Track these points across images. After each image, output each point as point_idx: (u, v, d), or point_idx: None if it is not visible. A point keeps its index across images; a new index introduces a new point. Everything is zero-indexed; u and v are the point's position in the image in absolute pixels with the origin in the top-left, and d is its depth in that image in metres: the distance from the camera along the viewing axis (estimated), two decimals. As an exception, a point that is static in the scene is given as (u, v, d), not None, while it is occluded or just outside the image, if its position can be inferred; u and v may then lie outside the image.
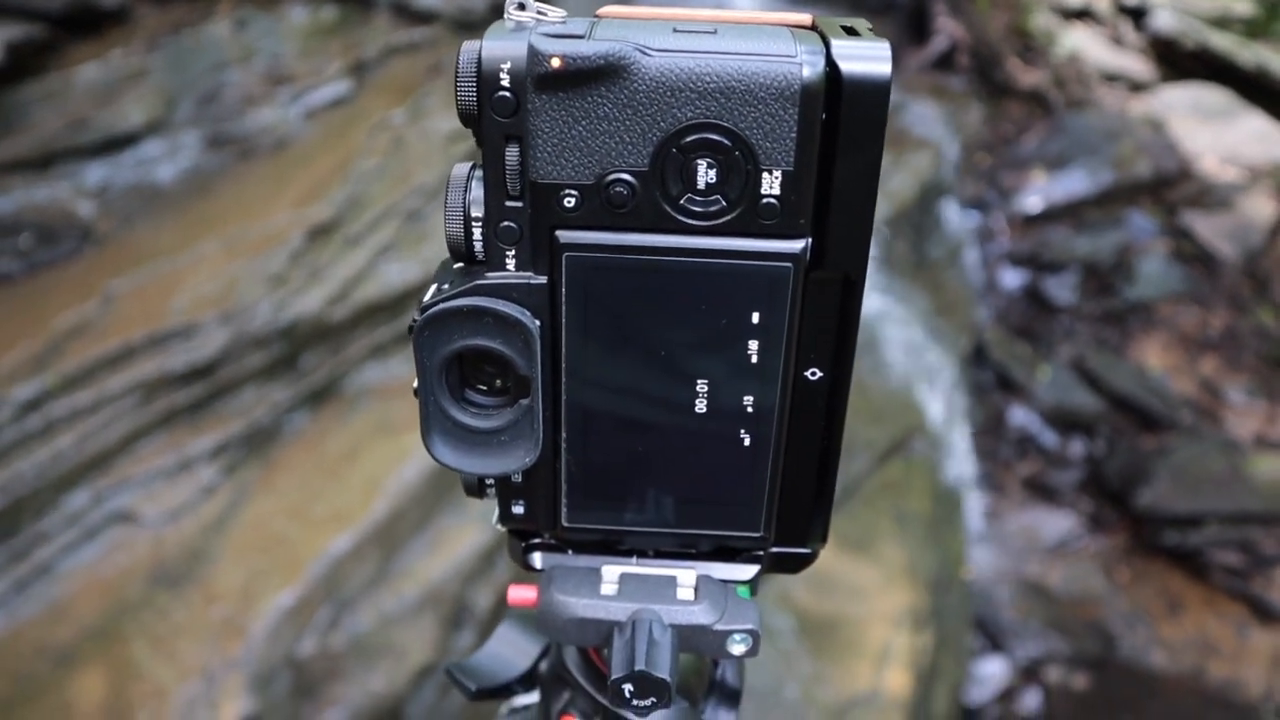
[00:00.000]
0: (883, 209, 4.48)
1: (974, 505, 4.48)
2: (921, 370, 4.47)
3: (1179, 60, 5.50)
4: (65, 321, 2.57)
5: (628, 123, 0.43)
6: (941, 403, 4.47)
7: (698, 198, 0.44)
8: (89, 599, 2.27)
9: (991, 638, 4.03)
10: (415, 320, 0.46)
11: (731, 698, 0.60)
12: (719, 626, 0.51)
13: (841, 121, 0.43)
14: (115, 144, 2.95)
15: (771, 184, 0.44)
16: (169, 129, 3.03)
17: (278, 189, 3.04)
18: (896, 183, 4.62)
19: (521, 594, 0.55)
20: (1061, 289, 5.11)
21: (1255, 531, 4.15)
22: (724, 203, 0.44)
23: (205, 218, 2.91)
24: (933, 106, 5.16)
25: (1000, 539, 4.44)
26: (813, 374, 0.49)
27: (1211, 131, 5.25)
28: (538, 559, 0.55)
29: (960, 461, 4.48)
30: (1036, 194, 5.27)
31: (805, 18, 0.47)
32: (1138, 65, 5.60)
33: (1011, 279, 5.24)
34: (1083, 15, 5.73)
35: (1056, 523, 4.45)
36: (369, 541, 2.52)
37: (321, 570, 2.43)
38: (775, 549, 0.54)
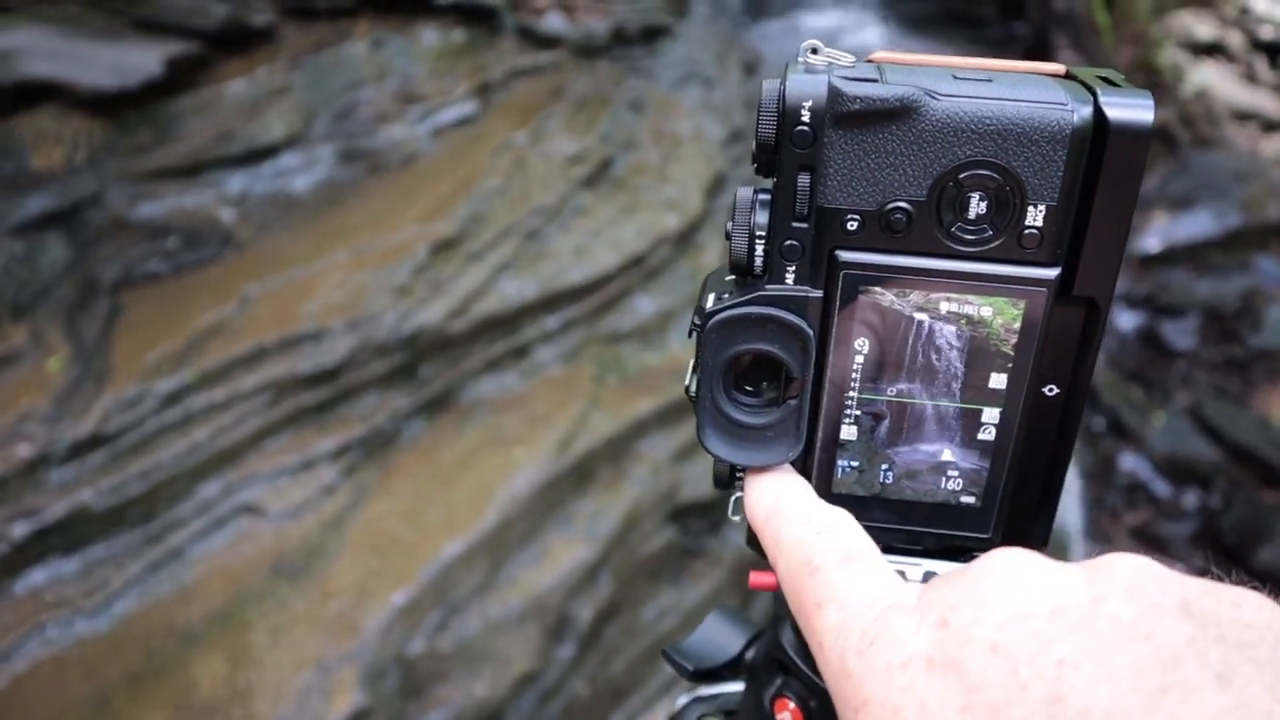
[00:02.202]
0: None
1: (1079, 553, 4.34)
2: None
3: (1316, 101, 5.30)
4: (205, 321, 2.71)
5: (912, 158, 0.48)
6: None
7: (968, 226, 0.49)
8: (215, 585, 2.38)
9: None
10: (697, 324, 0.51)
11: None
12: None
13: (1105, 162, 0.47)
14: (257, 155, 3.10)
15: (1035, 216, 0.48)
16: (306, 142, 3.17)
17: (404, 203, 3.15)
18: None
19: (763, 579, 0.58)
20: (1180, 333, 4.94)
21: (1387, 595, 3.94)
22: (991, 232, 0.49)
23: (336, 228, 3.03)
24: (1051, 142, 5.06)
25: (1107, 588, 4.30)
26: (1050, 390, 0.52)
27: (1350, 175, 5.04)
28: None
29: (1067, 507, 4.36)
30: (1157, 234, 5.12)
31: (1059, 67, 0.52)
32: (1272, 104, 5.42)
33: (1127, 320, 5.09)
34: (1214, 50, 5.57)
35: (1167, 575, 4.29)
36: (478, 549, 2.58)
37: (433, 574, 2.49)
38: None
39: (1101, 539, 4.45)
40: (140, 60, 3.13)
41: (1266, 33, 5.52)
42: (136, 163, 3.09)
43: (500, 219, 3.18)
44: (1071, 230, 0.48)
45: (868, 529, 0.55)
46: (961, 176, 0.48)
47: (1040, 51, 5.32)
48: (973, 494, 0.55)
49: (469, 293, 2.96)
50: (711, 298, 0.51)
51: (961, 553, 0.57)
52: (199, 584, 2.37)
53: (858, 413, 0.53)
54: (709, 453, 0.53)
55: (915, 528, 0.56)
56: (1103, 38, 5.14)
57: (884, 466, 0.54)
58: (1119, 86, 0.47)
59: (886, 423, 0.53)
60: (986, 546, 0.56)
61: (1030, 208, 0.48)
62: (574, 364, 3.12)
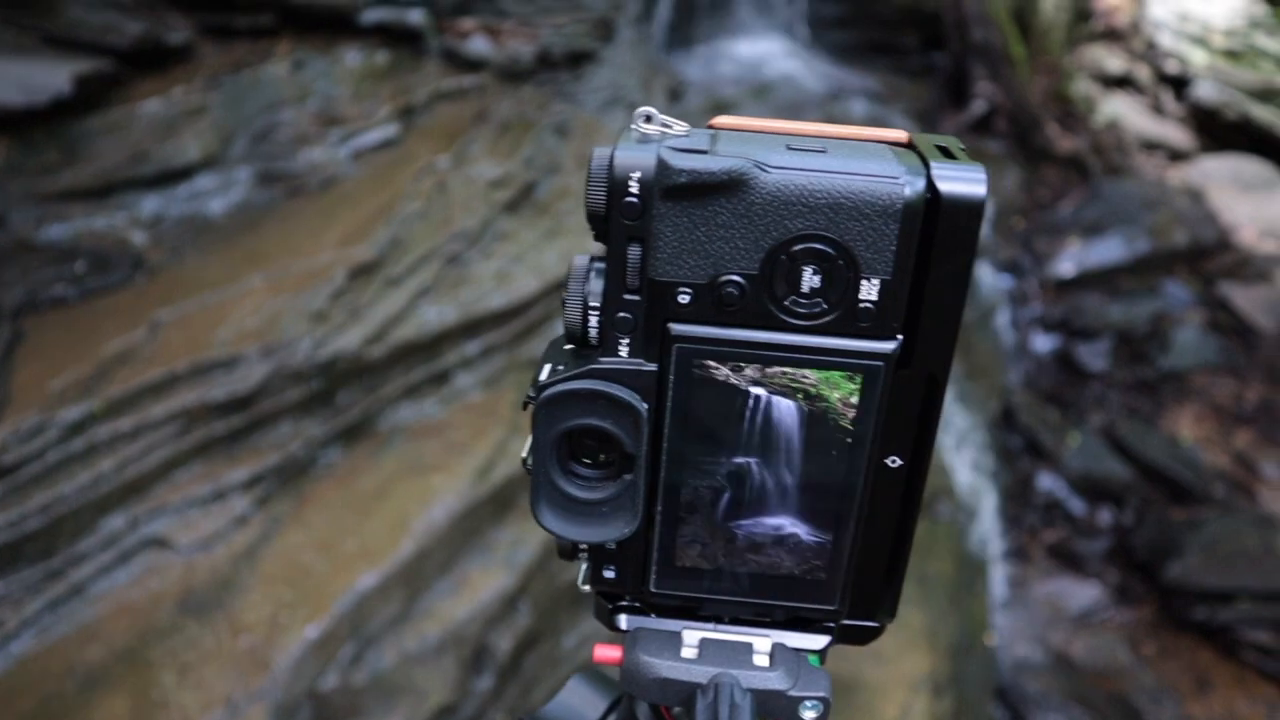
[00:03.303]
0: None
1: (998, 571, 4.43)
2: (949, 432, 4.45)
3: (1220, 131, 5.51)
4: (113, 348, 2.63)
5: (743, 231, 0.47)
6: (968, 466, 4.45)
7: (802, 300, 0.48)
8: (119, 622, 2.31)
9: (1013, 707, 3.97)
10: (531, 397, 0.50)
11: None
12: (793, 692, 0.54)
13: (938, 236, 0.47)
14: (171, 177, 3.03)
15: (870, 290, 0.48)
16: (223, 164, 3.11)
17: (323, 227, 3.11)
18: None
19: (607, 653, 0.57)
20: (1094, 356, 5.09)
21: (1288, 610, 4.08)
22: (825, 305, 0.48)
23: (252, 252, 2.98)
24: (970, 169, 5.18)
25: (1024, 607, 4.39)
26: (893, 461, 0.52)
27: (1251, 203, 5.25)
28: (623, 621, 0.58)
29: (986, 526, 4.44)
30: (1071, 259, 5.27)
31: (901, 135, 0.51)
32: (1178, 134, 5.62)
33: (1043, 344, 5.22)
34: (1123, 83, 5.76)
35: (1082, 592, 4.39)
36: (395, 580, 2.54)
37: (347, 606, 2.45)
38: (846, 621, 0.58)
39: (1020, 558, 4.54)
40: (49, 78, 3.05)
41: (1172, 67, 5.73)
42: (43, 183, 3.00)
43: (421, 243, 3.15)
44: (908, 303, 0.48)
45: (714, 602, 0.56)
46: (794, 250, 0.47)
47: (957, 83, 5.45)
48: (818, 566, 0.54)
49: (388, 318, 2.92)
50: (547, 369, 0.51)
51: (810, 624, 0.57)
52: (102, 622, 2.30)
53: (697, 485, 0.52)
54: (544, 529, 0.52)
55: (762, 600, 0.55)
56: (1018, 69, 5.28)
57: (726, 540, 0.54)
58: (955, 158, 0.47)
59: (727, 496, 0.53)
60: (834, 618, 0.57)
61: (864, 281, 0.47)
62: (495, 390, 3.10)
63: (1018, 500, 4.70)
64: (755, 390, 0.50)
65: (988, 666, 3.94)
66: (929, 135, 0.50)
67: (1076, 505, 4.68)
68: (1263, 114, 5.42)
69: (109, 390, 2.53)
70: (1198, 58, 5.70)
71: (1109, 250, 5.22)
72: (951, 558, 4.02)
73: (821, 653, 0.57)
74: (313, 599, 2.45)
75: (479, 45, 3.98)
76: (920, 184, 0.46)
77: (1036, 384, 5.11)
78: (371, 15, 3.54)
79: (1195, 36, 5.75)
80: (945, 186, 0.46)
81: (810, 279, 0.48)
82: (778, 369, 0.49)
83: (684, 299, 0.49)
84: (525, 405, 0.51)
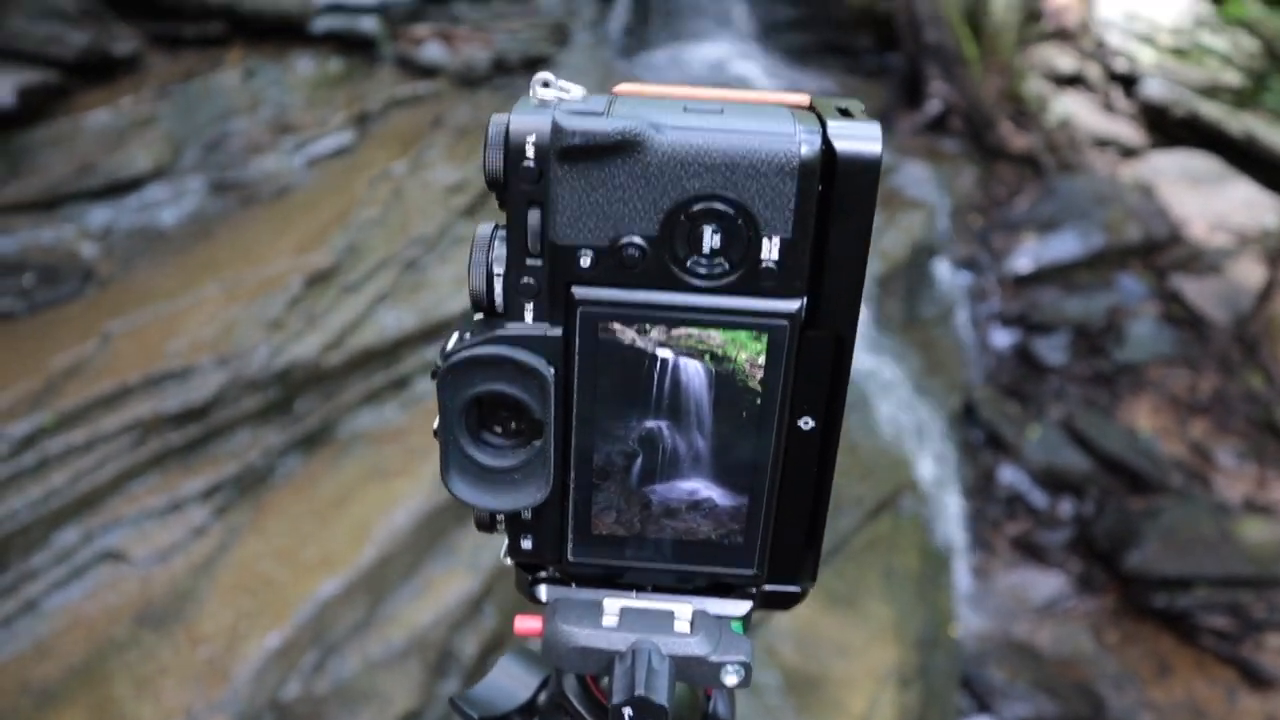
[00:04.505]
0: (875, 267, 4.54)
1: (962, 563, 4.47)
2: (911, 428, 4.49)
3: (1169, 127, 5.61)
4: (64, 360, 2.60)
5: (640, 192, 0.47)
6: (931, 460, 4.49)
7: (703, 260, 0.49)
8: (74, 638, 2.28)
9: (979, 698, 4.00)
10: (439, 365, 0.50)
11: None
12: (714, 658, 0.54)
13: (836, 195, 0.47)
14: (121, 188, 3.00)
15: (771, 249, 0.48)
16: (174, 174, 3.08)
17: (278, 235, 3.09)
18: (889, 242, 4.69)
19: (528, 624, 0.57)
20: (1052, 349, 5.15)
21: (1245, 595, 4.15)
22: (727, 265, 0.48)
23: (206, 262, 2.95)
24: (926, 168, 5.25)
25: (989, 598, 4.43)
26: (805, 423, 0.53)
27: (1201, 197, 5.34)
28: (543, 591, 0.58)
29: (949, 519, 4.48)
30: (1027, 255, 5.33)
31: (803, 98, 0.52)
32: (1128, 131, 5.71)
33: (1002, 339, 5.28)
34: (1075, 82, 5.85)
35: (1045, 583, 4.44)
36: (357, 586, 2.53)
37: (309, 614, 2.43)
38: (767, 587, 0.58)
39: (984, 550, 4.59)
40: (-7, 90, 3.01)
41: (1121, 65, 5.82)
42: (-11, 196, 2.96)
43: (378, 250, 3.14)
44: (811, 264, 0.48)
45: (634, 570, 0.56)
46: (693, 210, 0.47)
47: (912, 83, 5.50)
48: (735, 530, 0.54)
49: (345, 325, 2.91)
50: (454, 337, 0.51)
51: (731, 589, 0.57)
52: (57, 637, 2.27)
53: (609, 451, 0.52)
54: (455, 498, 0.52)
55: (682, 566, 0.55)
56: (971, 69, 5.35)
57: (641, 505, 0.54)
58: (853, 117, 0.48)
59: (640, 461, 0.52)
60: (754, 583, 0.57)
61: (765, 240, 0.47)
62: (456, 395, 3.08)
63: (980, 493, 4.74)
64: (662, 352, 0.50)
65: (953, 658, 3.97)
66: (831, 98, 0.51)
67: (1038, 497, 4.73)
68: (1210, 110, 5.52)
69: (60, 403, 2.50)
70: (1146, 56, 5.80)
71: (1064, 246, 5.29)
72: (916, 551, 4.05)
73: (744, 619, 0.58)
74: (273, 608, 2.43)
75: (433, 52, 3.97)
76: (816, 142, 0.46)
77: (997, 378, 5.17)
78: (323, 23, 3.53)
79: (1143, 35, 5.85)
80: (841, 145, 0.46)
81: (711, 239, 0.48)
82: (683, 330, 0.49)
83: (585, 262, 0.49)
84: (432, 375, 0.50)
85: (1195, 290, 5.06)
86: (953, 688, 3.88)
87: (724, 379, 0.50)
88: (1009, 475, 4.80)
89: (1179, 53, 5.78)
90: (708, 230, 0.48)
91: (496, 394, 0.50)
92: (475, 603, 2.67)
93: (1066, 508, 4.67)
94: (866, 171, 0.46)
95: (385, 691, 2.47)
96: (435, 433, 0.51)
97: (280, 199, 3.21)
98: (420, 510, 2.70)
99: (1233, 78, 5.71)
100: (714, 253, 0.48)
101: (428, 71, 3.92)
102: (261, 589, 2.47)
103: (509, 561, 0.58)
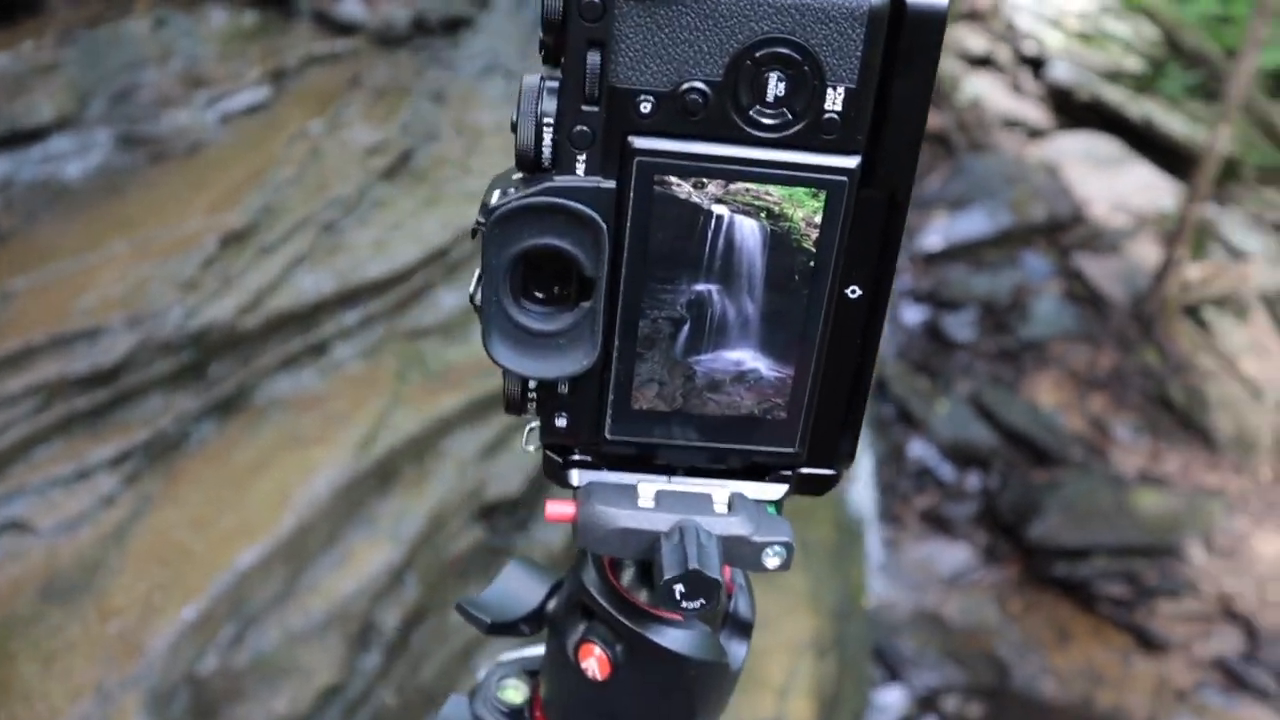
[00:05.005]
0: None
1: (874, 536, 4.57)
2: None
3: (1074, 110, 5.79)
4: (-41, 320, 2.46)
5: (707, 33, 0.45)
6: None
7: (767, 110, 0.46)
8: (-26, 612, 2.16)
9: (890, 667, 4.11)
10: (481, 222, 0.47)
11: (744, 629, 0.61)
12: (756, 538, 0.52)
13: (901, 46, 0.46)
14: (22, 138, 2.84)
15: (835, 100, 0.46)
16: (80, 126, 2.92)
17: (191, 193, 2.96)
18: (808, 217, 4.73)
19: (560, 509, 0.54)
20: (960, 326, 5.29)
21: (1139, 564, 4.34)
22: (789, 116, 0.47)
23: (114, 219, 2.81)
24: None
25: (899, 570, 4.54)
26: (853, 292, 0.51)
27: (1102, 179, 5.53)
28: (575, 476, 0.55)
29: (862, 492, 4.57)
30: (938, 233, 5.45)
31: None
32: (1035, 113, 5.88)
33: (913, 315, 5.40)
34: (985, 63, 5.98)
35: (953, 554, 4.58)
36: (276, 556, 2.45)
37: (226, 585, 2.35)
38: (804, 469, 0.55)
39: (894, 522, 4.70)
40: (-124, 29, 2.81)
41: (1030, 48, 5.98)
42: (-127, 143, 2.77)
43: (295, 210, 3.03)
44: (870, 118, 0.47)
45: (671, 449, 0.54)
46: (759, 54, 0.45)
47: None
48: (779, 405, 0.52)
49: (262, 287, 2.81)
50: (496, 194, 0.47)
51: (768, 471, 0.55)
52: (-46, 610, 2.15)
53: (656, 317, 0.50)
54: (496, 363, 0.49)
55: (720, 444, 0.53)
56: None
57: (685, 378, 0.51)
58: None
59: (687, 328, 0.50)
60: (793, 463, 0.55)
61: (829, 90, 0.46)
62: (374, 361, 3.01)
63: (891, 467, 4.85)
64: (718, 209, 0.48)
65: (866, 628, 4.06)
66: None
67: (946, 471, 4.87)
68: (1112, 94, 5.72)
69: (-44, 364, 2.36)
70: (1054, 40, 5.97)
71: (973, 224, 5.42)
72: (831, 523, 4.12)
73: (778, 503, 0.56)
74: (188, 579, 2.34)
75: (352, 9, 3.85)
76: None
77: (908, 354, 5.29)
78: (237, -27, 3.39)
79: (1051, 19, 6.02)
80: None
81: (776, 86, 0.46)
82: (741, 185, 0.47)
83: (645, 108, 0.46)
84: (474, 233, 0.47)
85: (1096, 269, 5.24)
86: (865, 657, 3.97)
87: (779, 239, 0.48)
88: (919, 449, 4.92)
89: (1085, 38, 5.96)
90: (773, 77, 0.46)
91: (547, 249, 0.47)
92: (397, 573, 2.61)
93: (973, 481, 4.81)
94: (934, 23, 0.46)
95: (306, 665, 2.40)
96: (471, 299, 0.49)
97: (193, 156, 3.08)
98: (340, 479, 2.63)
99: (1134, 64, 5.92)
100: (778, 101, 0.46)
101: (346, 29, 3.79)
102: (176, 559, 2.38)
103: (532, 449, 0.55)
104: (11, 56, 2.84)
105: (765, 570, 0.52)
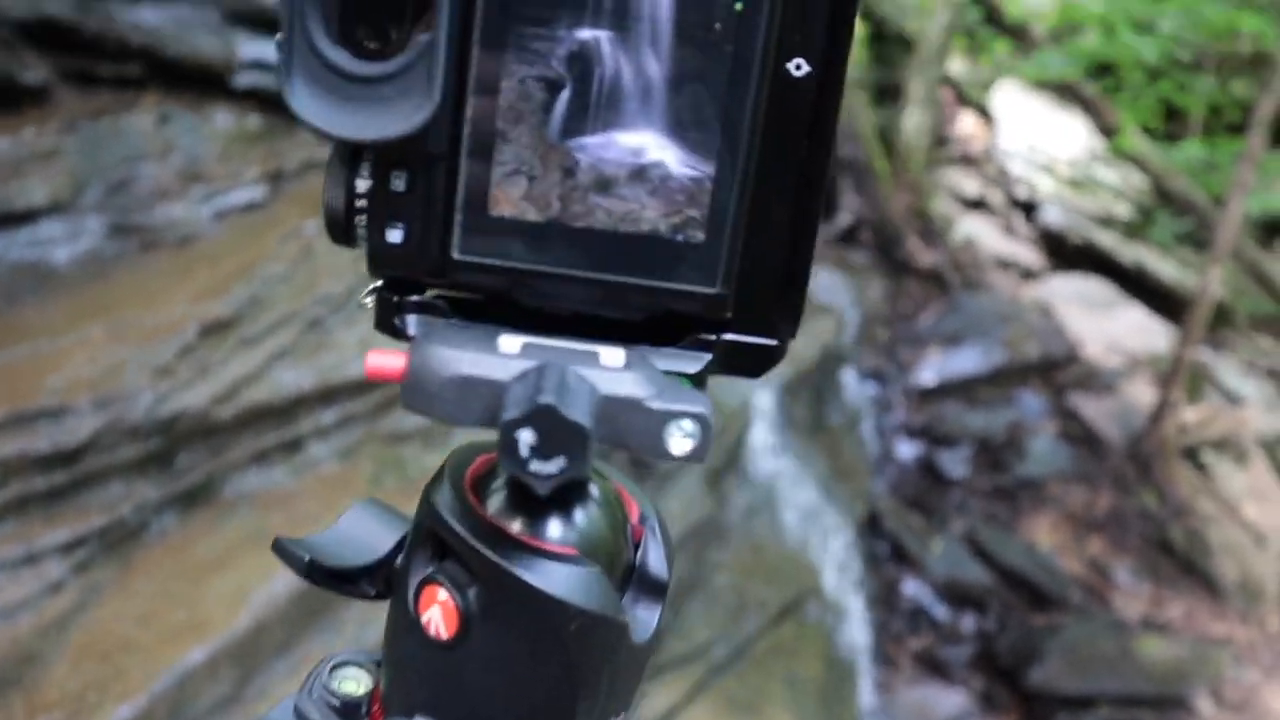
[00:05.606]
0: (784, 370, 4.56)
1: (866, 677, 4.39)
2: (817, 532, 4.46)
3: (1066, 253, 5.88)
4: (-78, 393, 2.39)
5: None
6: (836, 567, 4.45)
7: None
8: (-105, 698, 2.02)
9: (881, 814, 3.88)
10: None
11: (655, 590, 0.45)
12: (655, 404, 0.37)
13: None
14: (12, 220, 2.84)
15: None
16: (73, 212, 2.93)
17: (178, 282, 2.95)
18: (799, 346, 4.72)
19: (384, 360, 0.40)
20: (955, 463, 5.22)
21: (1145, 715, 4.16)
22: None
23: (96, 303, 2.79)
24: (837, 277, 5.36)
25: (892, 715, 4.35)
26: (797, 67, 0.38)
27: (1095, 320, 5.56)
28: (412, 323, 0.41)
29: (854, 629, 4.42)
30: (932, 369, 5.45)
31: None
32: (1028, 254, 5.96)
33: (906, 450, 5.34)
34: (979, 205, 6.11)
35: (949, 700, 4.39)
36: (225, 657, 2.32)
37: (168, 684, 2.22)
38: (732, 336, 0.41)
39: (887, 664, 4.52)
40: (-119, 112, 2.85)
41: (1022, 192, 6.12)
42: None
43: (281, 305, 3.01)
44: None
45: (541, 281, 0.39)
46: None
47: (828, 194, 5.67)
48: (694, 220, 0.38)
49: (239, 378, 2.76)
50: None
51: (683, 331, 0.41)
52: (-127, 695, 2.01)
53: (524, 76, 0.37)
54: (300, 120, 0.35)
55: (611, 275, 0.39)
56: (882, 184, 5.54)
57: (564, 171, 0.38)
58: None
59: (566, 95, 0.37)
60: (716, 313, 0.40)
61: None
62: (350, 462, 2.94)
63: (884, 606, 4.70)
64: None
65: (856, 772, 3.85)
66: None
67: (941, 611, 4.71)
68: (1104, 239, 5.82)
69: (-88, 436, 2.28)
70: (1045, 185, 6.12)
71: (967, 361, 5.42)
72: (821, 660, 3.97)
73: (697, 378, 0.41)
74: (129, 675, 2.21)
75: (357, 121, 3.94)
76: None
77: (901, 490, 5.20)
78: (246, 78, 3.46)
79: (1043, 165, 6.18)
80: None
81: None
82: None
83: None
84: None
85: (1091, 409, 5.21)
86: (855, 801, 3.75)
87: None
88: (912, 588, 4.78)
89: (1075, 184, 6.11)
90: None
91: None
92: (357, 681, 2.47)
93: (969, 623, 4.66)
94: None
95: (250, 776, 2.25)
96: (276, 44, 0.36)
97: (184, 247, 3.08)
98: (303, 582, 2.52)
99: (1124, 210, 6.05)
100: None
101: (349, 139, 3.87)
102: (118, 654, 2.25)
103: (369, 303, 0.42)
104: (12, 141, 2.88)
105: (670, 457, 0.37)
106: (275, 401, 2.81)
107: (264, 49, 3.46)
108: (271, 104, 3.56)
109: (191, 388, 2.66)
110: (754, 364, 0.42)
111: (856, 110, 5.57)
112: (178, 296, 2.88)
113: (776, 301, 0.41)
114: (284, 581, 2.49)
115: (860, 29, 5.96)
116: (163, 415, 2.57)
